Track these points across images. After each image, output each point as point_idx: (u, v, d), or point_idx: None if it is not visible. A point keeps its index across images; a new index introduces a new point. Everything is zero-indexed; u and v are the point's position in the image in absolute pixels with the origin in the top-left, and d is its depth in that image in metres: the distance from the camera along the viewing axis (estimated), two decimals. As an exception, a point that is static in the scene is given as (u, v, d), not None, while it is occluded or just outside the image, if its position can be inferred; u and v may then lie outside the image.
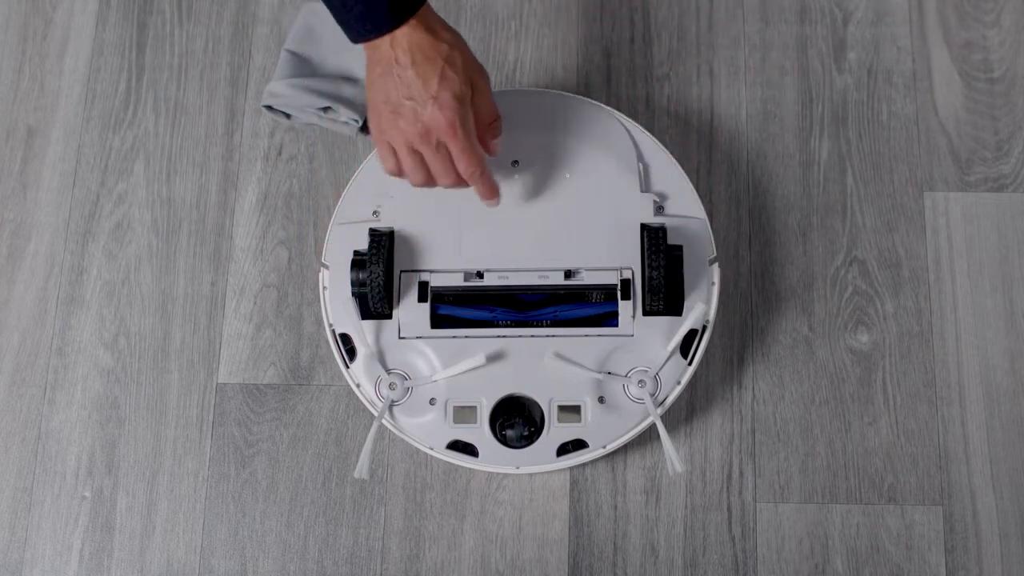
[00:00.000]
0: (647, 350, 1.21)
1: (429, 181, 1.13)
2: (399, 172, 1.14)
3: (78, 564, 1.30)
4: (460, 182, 1.14)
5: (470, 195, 1.23)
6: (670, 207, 1.26)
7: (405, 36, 1.05)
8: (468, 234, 1.24)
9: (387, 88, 1.07)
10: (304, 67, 1.38)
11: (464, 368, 1.20)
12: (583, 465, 1.29)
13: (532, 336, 1.22)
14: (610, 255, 1.22)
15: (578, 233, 1.23)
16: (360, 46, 1.09)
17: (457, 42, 1.09)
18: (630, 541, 1.28)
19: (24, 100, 1.43)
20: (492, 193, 1.17)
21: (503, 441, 1.20)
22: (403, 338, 1.22)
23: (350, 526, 1.29)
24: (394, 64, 1.06)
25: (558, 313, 1.22)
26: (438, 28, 1.08)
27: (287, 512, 1.30)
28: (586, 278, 1.22)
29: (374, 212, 1.26)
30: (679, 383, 1.21)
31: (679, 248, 1.22)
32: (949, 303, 1.34)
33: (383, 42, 1.06)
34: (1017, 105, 1.39)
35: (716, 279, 1.24)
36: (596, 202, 1.24)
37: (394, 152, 1.12)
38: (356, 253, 1.23)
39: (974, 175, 1.38)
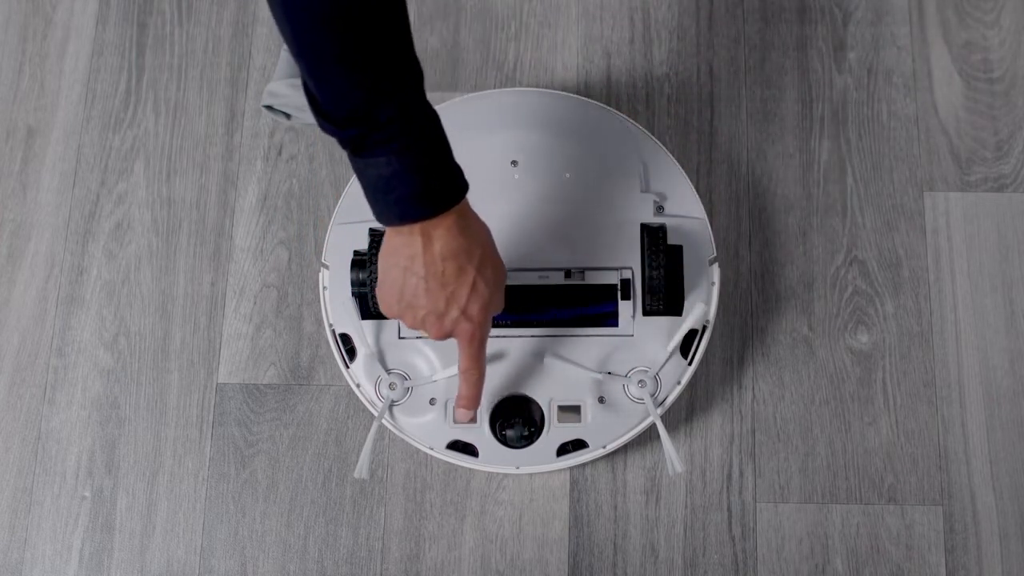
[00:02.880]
0: (647, 350, 1.21)
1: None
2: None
3: (78, 564, 1.30)
4: (483, 374, 1.10)
5: (470, 195, 1.22)
6: (670, 207, 1.25)
7: (442, 237, 0.96)
8: None
9: (409, 287, 1.00)
10: None
11: None
12: (583, 465, 1.29)
13: (532, 336, 1.21)
14: (610, 255, 1.22)
15: (578, 233, 1.22)
16: None
17: (486, 239, 1.02)
18: (630, 541, 1.28)
19: (24, 100, 1.43)
20: (472, 405, 1.11)
21: (503, 441, 1.20)
22: (403, 338, 1.22)
23: (350, 526, 1.29)
24: (422, 266, 0.98)
25: (558, 313, 1.22)
26: (471, 223, 0.99)
27: (287, 512, 1.30)
28: (586, 278, 1.22)
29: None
30: (679, 383, 1.21)
31: (679, 248, 1.22)
32: (949, 303, 1.34)
33: (415, 233, 0.96)
34: (1017, 105, 1.39)
35: (716, 279, 1.24)
36: (596, 202, 1.23)
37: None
38: (356, 253, 1.23)
39: (974, 175, 1.38)
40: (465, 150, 1.24)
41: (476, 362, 1.06)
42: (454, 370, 1.19)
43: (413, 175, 0.93)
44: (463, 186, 0.97)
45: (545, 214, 1.23)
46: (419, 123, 0.93)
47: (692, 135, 1.39)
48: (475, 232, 1.00)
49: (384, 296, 1.03)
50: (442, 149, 0.96)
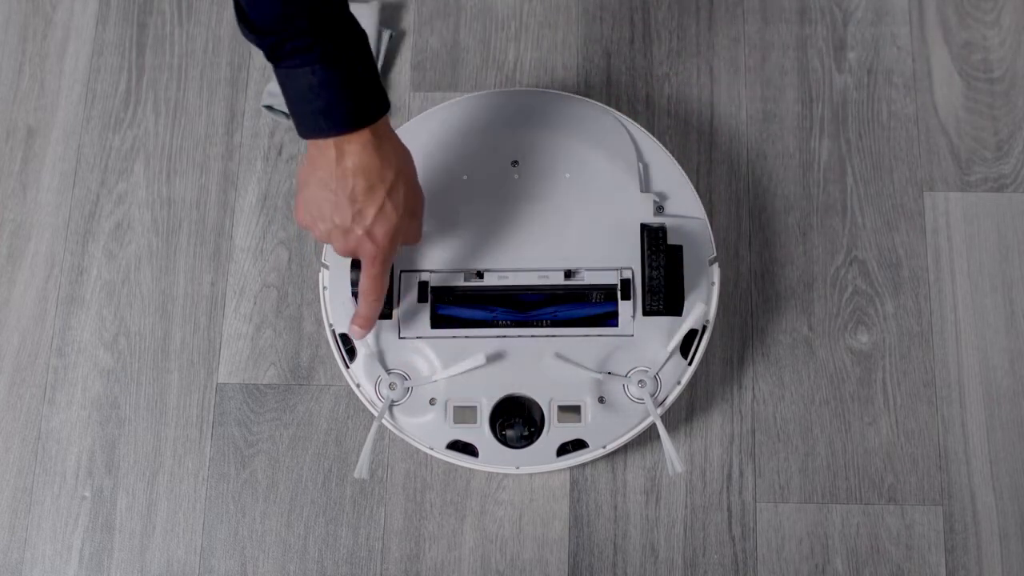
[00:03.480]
0: (647, 350, 1.21)
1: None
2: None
3: (78, 564, 1.30)
4: (383, 294, 1.12)
5: (469, 196, 1.24)
6: (670, 207, 1.25)
7: (355, 153, 0.99)
8: (468, 234, 1.24)
9: (319, 199, 1.02)
10: None
11: (464, 368, 1.20)
12: (583, 465, 1.29)
13: (532, 336, 1.22)
14: (610, 255, 1.22)
15: (578, 233, 1.23)
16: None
17: (404, 165, 1.04)
18: (630, 541, 1.28)
19: (24, 100, 1.43)
20: (366, 325, 1.13)
21: (503, 441, 1.20)
22: (403, 338, 1.22)
23: (350, 526, 1.29)
24: (333, 179, 1.00)
25: (558, 313, 1.22)
26: (389, 147, 1.02)
27: (287, 512, 1.30)
28: (586, 278, 1.22)
29: None
30: (679, 383, 1.21)
31: (679, 248, 1.22)
32: (949, 303, 1.34)
33: (328, 148, 0.99)
34: (1017, 105, 1.39)
35: (716, 279, 1.24)
36: (596, 202, 1.24)
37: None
38: None
39: (974, 175, 1.37)
40: (465, 150, 1.25)
41: (375, 283, 1.08)
42: (454, 370, 1.20)
43: (330, 88, 0.95)
44: (383, 106, 0.99)
45: (545, 214, 1.24)
46: (339, 36, 0.95)
47: (692, 135, 1.39)
48: (391, 154, 1.01)
49: (297, 205, 1.05)
50: (363, 66, 0.97)
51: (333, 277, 1.24)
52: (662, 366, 1.20)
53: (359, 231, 1.02)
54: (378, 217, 1.02)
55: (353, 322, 1.14)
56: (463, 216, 1.24)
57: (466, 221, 1.24)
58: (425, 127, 1.29)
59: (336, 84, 0.95)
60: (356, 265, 1.20)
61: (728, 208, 1.37)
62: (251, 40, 0.94)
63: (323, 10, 0.94)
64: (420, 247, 1.23)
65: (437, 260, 1.23)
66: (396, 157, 1.02)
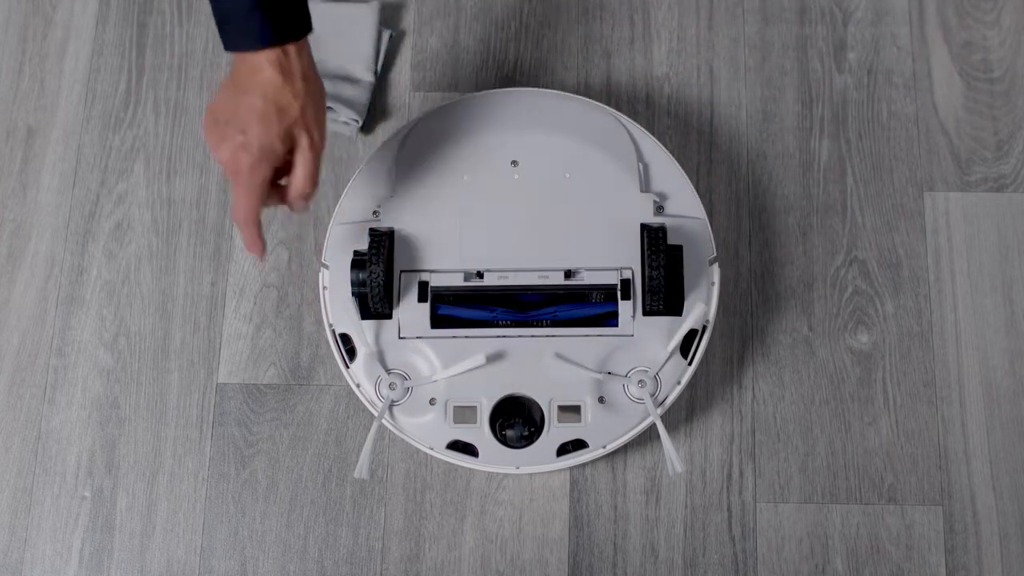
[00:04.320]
0: (647, 350, 1.21)
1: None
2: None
3: (78, 564, 1.30)
4: (249, 218, 1.09)
5: (469, 196, 1.24)
6: (670, 207, 1.25)
7: (262, 70, 1.02)
8: (468, 234, 1.24)
9: (223, 101, 1.04)
10: None
11: (464, 368, 1.20)
12: (583, 465, 1.29)
13: (532, 336, 1.22)
14: (610, 255, 1.22)
15: (578, 233, 1.23)
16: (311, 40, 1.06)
17: (308, 96, 1.05)
18: (630, 541, 1.28)
19: (24, 100, 1.43)
20: (253, 247, 1.10)
21: (503, 441, 1.20)
22: (403, 338, 1.22)
23: (350, 526, 1.29)
24: (239, 88, 1.03)
25: (558, 313, 1.22)
26: (298, 73, 1.04)
27: (287, 512, 1.30)
28: (586, 278, 1.22)
29: (374, 212, 1.26)
30: (679, 383, 1.21)
31: (679, 248, 1.22)
32: (949, 303, 1.34)
33: (243, 62, 1.02)
34: (1017, 105, 1.40)
35: (716, 279, 1.24)
36: (596, 202, 1.24)
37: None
38: (356, 253, 1.23)
39: (974, 175, 1.38)
40: (465, 150, 1.25)
41: (241, 203, 1.06)
42: (454, 370, 1.20)
43: (249, 12, 1.00)
44: (300, 26, 1.03)
45: (545, 214, 1.24)
46: None
47: (692, 135, 1.39)
48: (296, 81, 1.03)
49: (209, 108, 1.06)
50: None
51: (333, 277, 1.25)
52: (662, 366, 1.21)
53: (236, 137, 1.03)
54: (257, 126, 1.02)
55: (246, 248, 1.11)
56: (463, 216, 1.24)
57: (466, 221, 1.24)
58: (425, 127, 1.29)
59: (253, 4, 1.00)
60: (356, 265, 1.21)
61: (728, 208, 1.37)
62: None
63: None
64: (420, 247, 1.24)
65: (437, 260, 1.23)
66: (304, 83, 1.04)
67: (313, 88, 1.06)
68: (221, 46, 1.40)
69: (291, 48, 1.02)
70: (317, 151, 1.06)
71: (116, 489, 1.31)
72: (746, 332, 1.34)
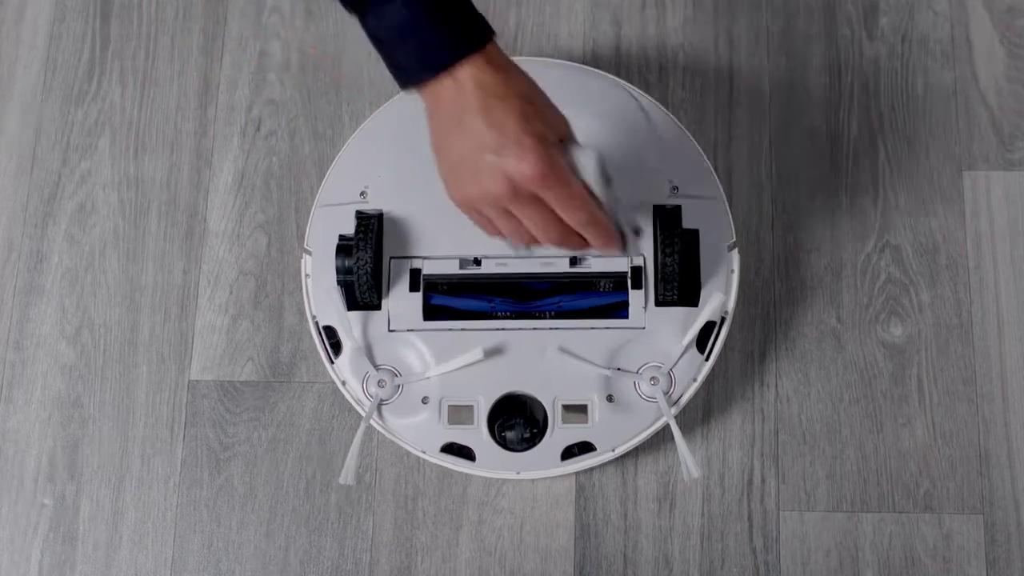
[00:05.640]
0: (660, 344, 1.21)
1: (534, 241, 1.02)
2: (501, 235, 1.04)
3: (38, 578, 1.32)
4: (570, 237, 1.02)
5: None
6: (685, 187, 1.26)
7: (470, 76, 0.95)
8: (464, 218, 1.21)
9: (459, 143, 0.97)
10: None
11: (460, 364, 1.20)
12: (590, 470, 1.29)
13: (534, 329, 1.22)
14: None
15: None
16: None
17: (532, 83, 1.00)
18: (641, 553, 1.28)
19: (-23, 71, 1.43)
20: (610, 240, 1.03)
21: (502, 444, 1.21)
22: (393, 331, 1.22)
23: (335, 537, 1.30)
24: (463, 112, 0.96)
25: (563, 303, 1.22)
26: (508, 65, 0.98)
27: (266, 521, 1.30)
28: (593, 265, 1.22)
29: (361, 193, 1.27)
30: (695, 380, 1.22)
31: (695, 232, 1.22)
32: (990, 292, 1.34)
33: (444, 86, 0.96)
34: (1065, 75, 1.39)
35: (735, 266, 1.24)
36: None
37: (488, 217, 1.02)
38: (342, 238, 1.23)
39: (1018, 152, 1.37)
40: None
41: (573, 201, 0.99)
42: (449, 366, 1.20)
43: (424, 20, 0.95)
44: (486, 30, 0.98)
45: None
46: None
47: (709, 109, 1.39)
48: (512, 71, 0.98)
49: (448, 173, 1.00)
50: None
51: (316, 264, 1.25)
52: (676, 361, 1.21)
53: (508, 148, 0.95)
54: (521, 124, 0.96)
55: (599, 248, 1.04)
56: None
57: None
58: (416, 104, 1.28)
59: (430, 12, 0.95)
60: (342, 251, 1.21)
61: (749, 188, 1.37)
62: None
63: None
64: (412, 232, 1.24)
65: (430, 246, 1.24)
66: (519, 72, 0.99)
67: (529, 77, 1.01)
68: (193, 11, 1.41)
69: (490, 48, 0.98)
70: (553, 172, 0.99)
71: (79, 495, 1.31)
72: (768, 324, 1.33)
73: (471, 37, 0.96)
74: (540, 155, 0.95)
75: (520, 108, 0.96)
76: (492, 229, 1.03)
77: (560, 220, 0.99)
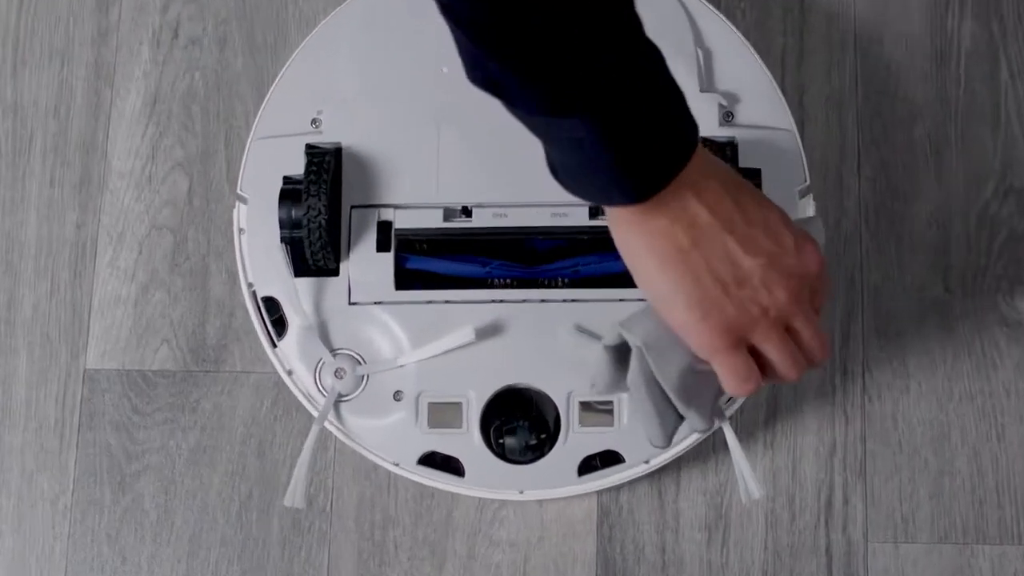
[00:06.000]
0: None
1: (758, 385, 1.04)
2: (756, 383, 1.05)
3: None
4: (796, 375, 1.05)
5: (452, 99, 1.25)
6: (742, 114, 1.25)
7: (703, 169, 0.99)
8: (450, 154, 1.24)
9: (709, 256, 0.99)
10: None
11: (444, 347, 1.19)
12: (616, 488, 1.30)
13: (543, 301, 1.20)
14: None
15: None
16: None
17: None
18: (684, 598, 1.27)
19: None
20: (825, 348, 1.07)
21: (501, 453, 1.19)
22: (355, 304, 1.21)
23: (279, 574, 1.29)
24: (709, 215, 0.99)
25: (580, 268, 1.21)
26: (711, 156, 1.02)
27: (186, 556, 1.31)
28: None
29: (313, 121, 1.26)
30: None
31: (755, 173, 1.21)
32: None
33: (679, 191, 0.98)
34: None
35: (808, 214, 1.22)
36: (635, 107, 1.22)
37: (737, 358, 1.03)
38: (287, 180, 1.21)
39: None
40: (446, 33, 1.20)
41: (821, 334, 1.04)
42: (429, 350, 1.20)
43: (660, 126, 0.96)
44: (693, 129, 0.99)
45: None
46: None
47: (775, 9, 1.40)
48: (723, 168, 1.02)
49: (683, 301, 1.01)
50: (661, 96, 0.97)
51: (254, 216, 1.24)
52: None
53: (787, 252, 1.00)
54: (788, 224, 1.01)
55: (788, 379, 1.06)
56: (443, 128, 1.24)
57: (448, 135, 1.24)
58: (387, 3, 1.30)
59: (661, 112, 0.96)
60: (288, 197, 1.20)
61: (827, 116, 1.38)
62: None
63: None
64: (380, 172, 1.24)
65: (404, 191, 1.23)
66: (732, 171, 1.03)
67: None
68: None
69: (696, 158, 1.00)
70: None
71: (-61, 521, 1.30)
72: (853, 295, 1.34)
73: (681, 147, 0.98)
74: (816, 245, 1.02)
75: (771, 203, 1.01)
76: (750, 372, 1.03)
77: (800, 357, 1.05)
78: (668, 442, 1.08)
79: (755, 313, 1.00)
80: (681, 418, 1.08)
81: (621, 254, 1.01)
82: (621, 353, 1.10)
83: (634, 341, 1.03)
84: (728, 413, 1.17)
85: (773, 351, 1.01)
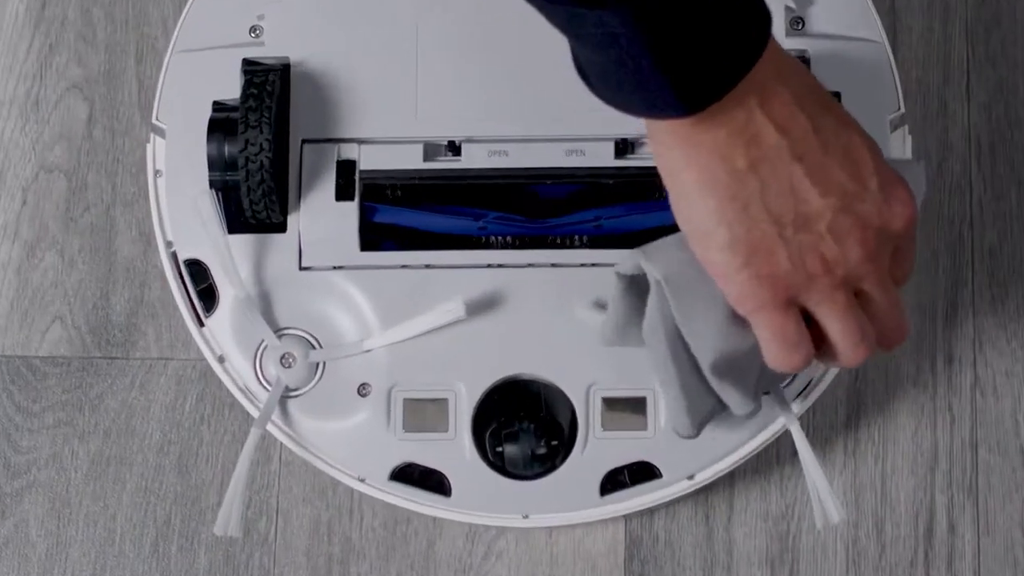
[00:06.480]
0: None
1: (808, 359, 1.05)
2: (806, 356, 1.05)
3: None
4: (860, 356, 1.06)
5: (437, 9, 1.27)
6: (817, 20, 1.27)
7: (777, 71, 0.99)
8: (432, 72, 1.26)
9: (767, 185, 1.00)
10: None
11: (425, 327, 1.21)
12: (650, 511, 1.32)
13: (554, 266, 1.22)
14: None
15: None
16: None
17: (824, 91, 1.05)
18: (740, 655, 1.28)
19: None
20: (905, 327, 1.08)
21: (499, 466, 1.20)
22: (308, 269, 1.23)
23: None
24: (777, 133, 0.99)
25: (603, 222, 1.24)
26: (788, 57, 1.02)
27: None
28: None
29: (253, 29, 1.27)
30: None
31: (835, 97, 1.18)
32: None
33: (743, 99, 0.98)
34: None
35: (905, 156, 1.24)
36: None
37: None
38: (218, 107, 1.23)
39: None
40: None
41: (901, 306, 1.06)
42: (405, 331, 1.22)
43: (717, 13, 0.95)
44: (767, 7, 0.98)
45: None
46: None
47: None
48: (796, 62, 1.02)
49: (731, 242, 1.01)
50: None
51: (174, 154, 1.26)
52: None
53: (871, 193, 1.00)
54: (879, 162, 1.01)
55: (848, 364, 1.08)
56: (422, 38, 1.26)
57: (427, 49, 1.26)
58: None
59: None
60: (217, 128, 1.21)
61: (927, 22, 1.40)
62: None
63: None
64: (339, 97, 1.26)
65: (372, 120, 1.25)
66: (807, 70, 1.04)
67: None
68: None
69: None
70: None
71: None
72: (960, 256, 1.36)
73: (752, 37, 0.97)
74: (914, 208, 1.02)
75: (862, 134, 1.01)
76: (800, 338, 1.03)
77: (871, 329, 1.05)
78: (696, 431, 1.08)
79: (815, 267, 0.99)
80: (717, 398, 1.08)
81: (658, 167, 1.01)
82: (640, 288, 1.09)
83: (653, 273, 1.03)
84: (798, 410, 1.19)
85: (834, 319, 1.00)
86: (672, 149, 0.99)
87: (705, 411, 1.07)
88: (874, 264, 1.00)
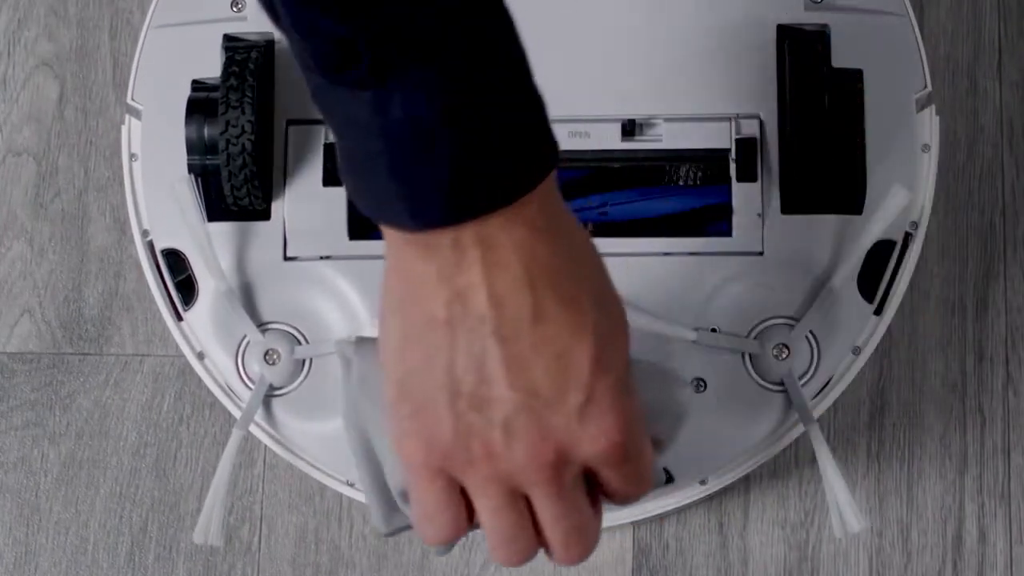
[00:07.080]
0: (791, 283, 1.21)
1: (452, 534, 1.00)
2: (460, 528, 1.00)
3: None
4: (502, 558, 1.02)
5: None
6: None
7: (521, 244, 0.91)
8: None
9: (456, 349, 0.92)
10: None
11: None
12: (659, 517, 1.33)
13: None
14: (715, 91, 1.24)
15: (651, 50, 1.25)
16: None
17: (591, 247, 0.97)
18: (755, 672, 1.29)
19: None
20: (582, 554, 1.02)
21: None
22: (293, 259, 1.23)
23: None
24: (483, 306, 0.91)
25: (610, 208, 1.25)
26: (565, 215, 0.95)
27: None
28: (667, 136, 1.23)
29: (234, 3, 1.28)
30: (857, 351, 1.21)
31: (855, 76, 1.22)
32: None
33: (462, 242, 0.91)
34: None
35: (933, 138, 1.23)
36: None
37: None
38: (198, 86, 1.24)
39: None
40: None
41: (643, 484, 1.00)
42: None
43: (466, 127, 0.88)
44: (553, 153, 0.92)
45: (589, 16, 1.26)
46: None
47: None
48: (575, 232, 0.95)
49: (400, 400, 0.95)
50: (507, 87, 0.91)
51: (151, 135, 1.25)
52: (822, 315, 1.20)
53: (578, 399, 0.92)
54: (599, 362, 0.93)
55: (563, 562, 1.01)
56: None
57: None
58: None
59: (479, 116, 0.88)
60: (196, 108, 1.22)
61: None
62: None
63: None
64: None
65: None
66: (582, 237, 0.96)
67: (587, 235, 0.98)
68: None
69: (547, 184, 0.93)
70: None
71: None
72: (992, 247, 1.37)
73: (530, 166, 0.91)
74: (627, 422, 0.93)
75: (594, 323, 0.92)
76: (438, 513, 0.98)
77: (535, 534, 0.99)
78: (388, 528, 1.03)
79: (477, 451, 0.93)
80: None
81: None
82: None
83: (345, 353, 0.99)
84: (816, 411, 1.19)
85: (484, 511, 0.95)
86: (389, 257, 0.93)
87: (403, 525, 1.03)
88: (547, 475, 0.92)
